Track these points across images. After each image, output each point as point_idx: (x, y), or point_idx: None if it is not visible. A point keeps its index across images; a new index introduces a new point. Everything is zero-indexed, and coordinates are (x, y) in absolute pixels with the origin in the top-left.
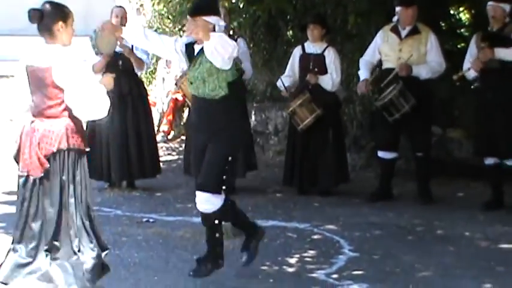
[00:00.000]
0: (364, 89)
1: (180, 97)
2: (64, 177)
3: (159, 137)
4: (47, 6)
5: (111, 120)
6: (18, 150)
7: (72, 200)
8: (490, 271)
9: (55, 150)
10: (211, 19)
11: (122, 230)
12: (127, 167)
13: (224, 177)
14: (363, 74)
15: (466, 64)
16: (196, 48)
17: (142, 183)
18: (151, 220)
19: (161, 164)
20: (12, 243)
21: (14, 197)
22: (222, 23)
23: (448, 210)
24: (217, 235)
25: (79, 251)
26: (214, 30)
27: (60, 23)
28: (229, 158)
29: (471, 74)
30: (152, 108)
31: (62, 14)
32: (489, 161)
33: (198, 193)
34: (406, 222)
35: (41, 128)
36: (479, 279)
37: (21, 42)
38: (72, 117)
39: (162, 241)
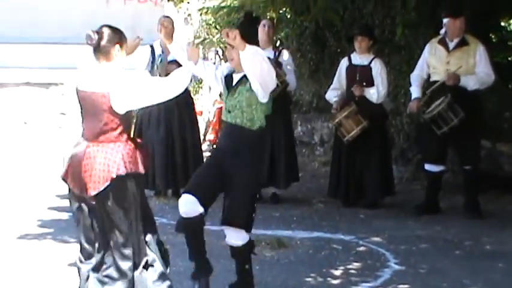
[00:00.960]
0: (416, 108)
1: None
2: (123, 202)
3: (204, 146)
4: (105, 29)
5: (157, 128)
6: (70, 173)
7: (132, 223)
8: None
9: (114, 177)
10: (250, 48)
11: (167, 239)
12: (172, 175)
13: (253, 213)
14: (415, 91)
15: None
16: (235, 77)
17: None
18: None
19: None
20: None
21: (63, 203)
22: (261, 51)
23: (497, 225)
24: (246, 266)
25: (144, 266)
26: None
27: (117, 46)
28: (257, 195)
29: None
30: (198, 117)
31: (119, 38)
32: None
33: (230, 229)
34: (453, 236)
35: (97, 153)
36: None
37: (72, 50)
38: (127, 140)
39: (207, 250)
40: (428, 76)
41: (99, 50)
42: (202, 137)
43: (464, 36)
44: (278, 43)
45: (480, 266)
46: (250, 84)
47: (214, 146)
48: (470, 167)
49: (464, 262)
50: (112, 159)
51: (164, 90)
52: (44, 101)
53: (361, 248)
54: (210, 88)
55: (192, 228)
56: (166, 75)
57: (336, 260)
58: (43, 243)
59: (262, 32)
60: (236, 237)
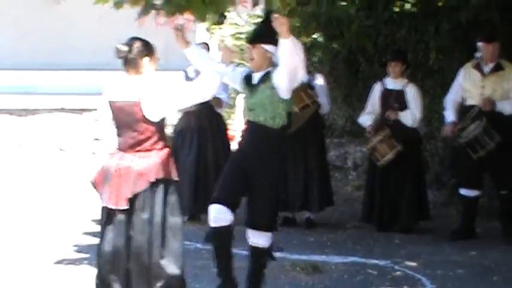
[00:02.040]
0: (450, 132)
1: None
2: (156, 208)
3: None
4: (134, 41)
5: (189, 151)
6: (105, 183)
7: (164, 230)
8: None
9: (150, 184)
10: (270, 48)
11: (202, 264)
12: (206, 200)
13: (276, 214)
14: (449, 115)
15: None
16: (255, 76)
17: None
18: None
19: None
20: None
21: (99, 228)
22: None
23: None
24: (264, 271)
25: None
26: (271, 59)
27: (147, 58)
28: (282, 196)
29: None
30: (231, 141)
31: (148, 49)
32: None
33: (252, 231)
34: (490, 262)
35: (133, 162)
36: None
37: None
38: (162, 148)
39: (242, 275)
40: (463, 100)
41: (128, 62)
42: None
43: (499, 61)
44: (311, 68)
45: None
46: (272, 82)
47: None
48: (506, 191)
49: None
50: (149, 167)
51: (195, 91)
52: (78, 127)
53: (397, 273)
54: (242, 113)
55: (221, 237)
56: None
57: (371, 285)
58: (79, 268)
59: None
60: (259, 238)
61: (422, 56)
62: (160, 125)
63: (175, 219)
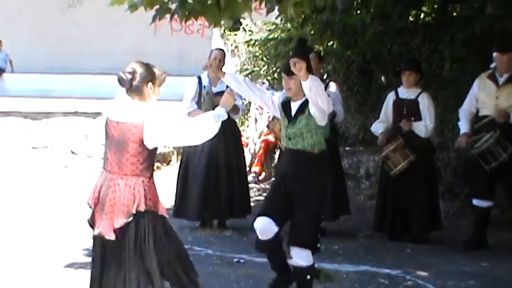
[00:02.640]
0: (464, 143)
1: (271, 138)
2: (139, 239)
3: (250, 178)
4: (138, 68)
5: (205, 160)
6: (95, 209)
7: (150, 262)
8: None
9: (134, 212)
10: None
11: (213, 270)
12: (218, 206)
13: (318, 234)
14: (463, 126)
15: None
16: (293, 106)
17: (233, 223)
18: (241, 261)
19: (252, 204)
20: None
21: None
22: (319, 81)
23: None
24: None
25: None
26: None
27: (150, 84)
28: (322, 216)
29: None
30: (244, 148)
31: (151, 75)
32: None
33: (294, 249)
34: (502, 273)
35: (120, 188)
36: None
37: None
38: (150, 177)
39: (252, 282)
40: (477, 111)
41: (131, 89)
42: (247, 169)
43: None
44: (325, 76)
45: None
46: (308, 111)
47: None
48: None
49: None
50: (135, 193)
51: (193, 134)
52: (91, 130)
53: (408, 283)
54: (256, 120)
55: (270, 248)
56: (214, 107)
57: None
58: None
59: None
60: (301, 257)
61: (436, 66)
62: (152, 153)
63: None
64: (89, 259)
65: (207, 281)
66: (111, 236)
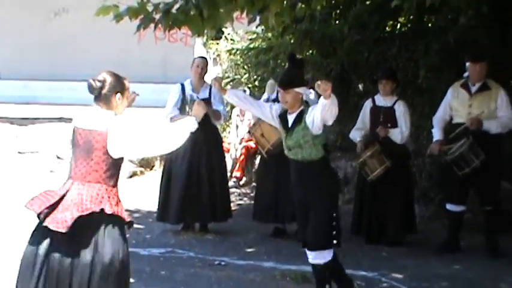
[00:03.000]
0: (437, 150)
1: (252, 144)
2: (94, 241)
3: (231, 183)
4: (108, 77)
5: (186, 165)
6: (50, 208)
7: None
8: None
9: (96, 211)
10: (301, 90)
11: (195, 272)
12: (200, 210)
13: (334, 232)
14: (436, 133)
15: None
16: (289, 118)
17: (215, 227)
18: (222, 263)
19: (233, 208)
20: None
21: None
22: (309, 91)
23: None
24: (327, 287)
25: None
26: (302, 99)
27: (118, 95)
28: (334, 214)
29: None
30: (226, 154)
31: (121, 86)
32: None
33: (309, 252)
34: (474, 275)
35: (80, 190)
36: None
37: None
38: (114, 187)
39: (233, 284)
40: (450, 118)
41: (100, 98)
42: (229, 174)
43: (486, 81)
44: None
45: None
46: (304, 122)
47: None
48: (490, 207)
49: None
50: (94, 197)
51: (159, 144)
52: None
53: (384, 285)
54: (237, 126)
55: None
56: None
57: None
58: None
59: None
60: (315, 256)
61: (412, 75)
62: (117, 163)
63: (106, 261)
64: None
65: (189, 283)
66: (62, 229)
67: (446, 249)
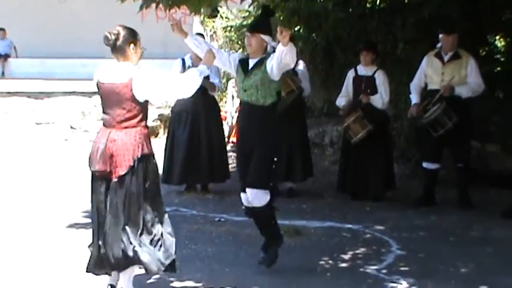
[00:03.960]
0: (415, 113)
1: None
2: (140, 179)
3: (228, 147)
4: (121, 30)
5: (184, 129)
6: (96, 158)
7: (146, 199)
8: None
9: (137, 157)
10: (266, 38)
11: (197, 228)
12: (200, 172)
13: (270, 175)
14: (414, 97)
15: None
16: (251, 62)
17: (214, 187)
18: (222, 219)
19: (230, 170)
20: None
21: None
22: (273, 43)
23: (485, 215)
24: (273, 221)
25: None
26: (266, 47)
27: (132, 45)
28: (274, 159)
29: None
30: (223, 121)
31: (134, 37)
32: None
33: (249, 190)
34: (447, 225)
35: (120, 138)
36: None
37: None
38: (145, 127)
39: (231, 238)
40: (426, 85)
41: (116, 49)
42: (226, 139)
43: (457, 51)
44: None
45: (471, 250)
46: (265, 67)
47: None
48: (462, 164)
49: (457, 247)
50: (136, 142)
51: (178, 87)
52: (88, 108)
53: (367, 236)
54: (233, 97)
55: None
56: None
57: (345, 246)
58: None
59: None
60: (256, 198)
61: (390, 46)
62: (145, 106)
63: (152, 189)
64: (89, 220)
65: (192, 238)
66: (114, 178)
67: (423, 203)
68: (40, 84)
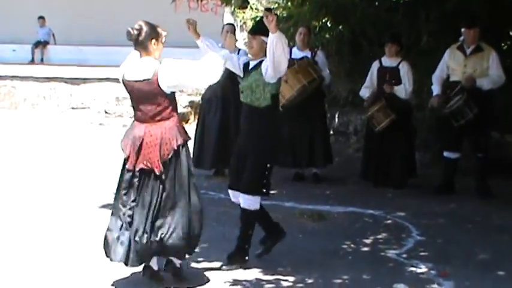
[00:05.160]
0: (436, 103)
1: None
2: (179, 166)
3: None
4: (143, 26)
5: (215, 115)
6: (133, 151)
7: (186, 182)
8: None
9: (175, 148)
10: (267, 39)
11: (224, 211)
12: (229, 157)
13: (264, 181)
14: (435, 89)
15: None
16: (251, 63)
17: None
18: None
19: None
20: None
21: None
22: (284, 38)
23: (503, 204)
24: (250, 232)
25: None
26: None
27: (154, 41)
28: (268, 165)
29: None
30: None
31: (155, 33)
32: None
33: (242, 195)
34: (466, 213)
35: (156, 131)
36: None
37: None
38: (176, 115)
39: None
40: (448, 76)
41: (138, 44)
42: None
43: (479, 44)
44: (320, 46)
45: (489, 238)
46: (261, 68)
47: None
48: (482, 154)
49: (475, 235)
50: (172, 133)
51: (203, 75)
52: (122, 93)
53: (389, 221)
54: None
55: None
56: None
57: (367, 231)
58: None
59: (298, 38)
60: (246, 202)
61: (414, 39)
62: (173, 96)
63: (193, 176)
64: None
65: (220, 220)
66: (155, 169)
67: (443, 190)
68: (76, 70)
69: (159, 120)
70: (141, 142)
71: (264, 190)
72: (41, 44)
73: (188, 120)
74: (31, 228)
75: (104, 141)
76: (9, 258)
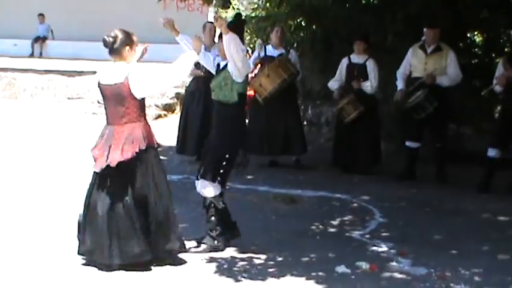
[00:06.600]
0: (400, 97)
1: (252, 93)
2: (143, 169)
3: None
4: (118, 34)
5: (197, 105)
6: (100, 150)
7: (151, 185)
8: (488, 236)
9: (137, 151)
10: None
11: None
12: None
13: (220, 171)
14: (399, 84)
15: (495, 81)
16: (222, 64)
17: None
18: (227, 187)
19: None
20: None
21: None
22: (238, 40)
23: (458, 189)
24: (212, 219)
25: None
26: None
27: (127, 47)
28: (227, 156)
29: (498, 88)
30: None
31: (130, 40)
32: (491, 152)
33: (200, 180)
34: (425, 197)
35: (123, 132)
36: (480, 243)
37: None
38: (144, 120)
39: (235, 204)
40: (410, 73)
41: (113, 51)
42: None
43: (439, 44)
44: (295, 44)
45: (444, 220)
46: (227, 68)
47: None
48: (440, 144)
49: (432, 217)
50: (136, 136)
51: (171, 78)
52: None
53: (354, 205)
54: None
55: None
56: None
57: (334, 213)
58: None
59: (274, 36)
60: (205, 189)
61: (381, 38)
62: (142, 102)
63: (160, 177)
64: None
65: (200, 202)
66: (117, 171)
67: (405, 177)
68: (72, 63)
69: (125, 123)
70: (110, 144)
71: (219, 178)
72: (40, 39)
73: (174, 110)
74: (25, 218)
75: (97, 129)
76: (6, 252)
